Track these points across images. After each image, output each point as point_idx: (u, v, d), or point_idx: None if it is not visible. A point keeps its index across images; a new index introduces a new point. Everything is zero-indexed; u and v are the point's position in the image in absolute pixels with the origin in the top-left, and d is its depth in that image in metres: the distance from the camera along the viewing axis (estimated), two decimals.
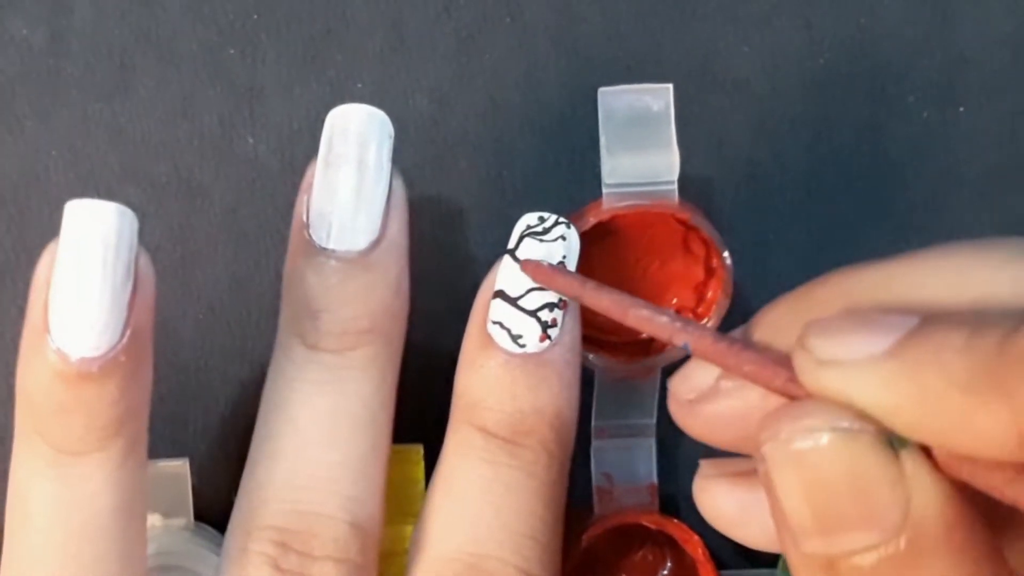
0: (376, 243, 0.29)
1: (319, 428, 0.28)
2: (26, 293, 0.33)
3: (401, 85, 0.34)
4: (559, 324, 0.28)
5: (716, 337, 0.23)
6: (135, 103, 0.33)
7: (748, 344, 0.23)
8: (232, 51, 0.33)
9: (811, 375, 0.21)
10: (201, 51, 0.33)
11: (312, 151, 0.33)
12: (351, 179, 0.28)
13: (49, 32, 0.33)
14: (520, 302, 0.28)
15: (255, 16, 0.33)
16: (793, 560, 0.22)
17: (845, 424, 0.21)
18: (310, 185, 0.29)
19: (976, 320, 0.20)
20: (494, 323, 0.28)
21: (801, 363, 0.21)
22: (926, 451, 0.20)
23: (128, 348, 0.26)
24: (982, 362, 0.19)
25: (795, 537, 0.21)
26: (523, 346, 0.28)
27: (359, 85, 0.34)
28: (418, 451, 0.31)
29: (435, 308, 0.32)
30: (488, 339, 0.28)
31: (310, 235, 0.28)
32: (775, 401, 0.23)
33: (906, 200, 0.35)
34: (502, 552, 0.28)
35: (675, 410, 0.25)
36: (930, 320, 0.20)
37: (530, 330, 0.28)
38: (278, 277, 0.33)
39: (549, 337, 0.28)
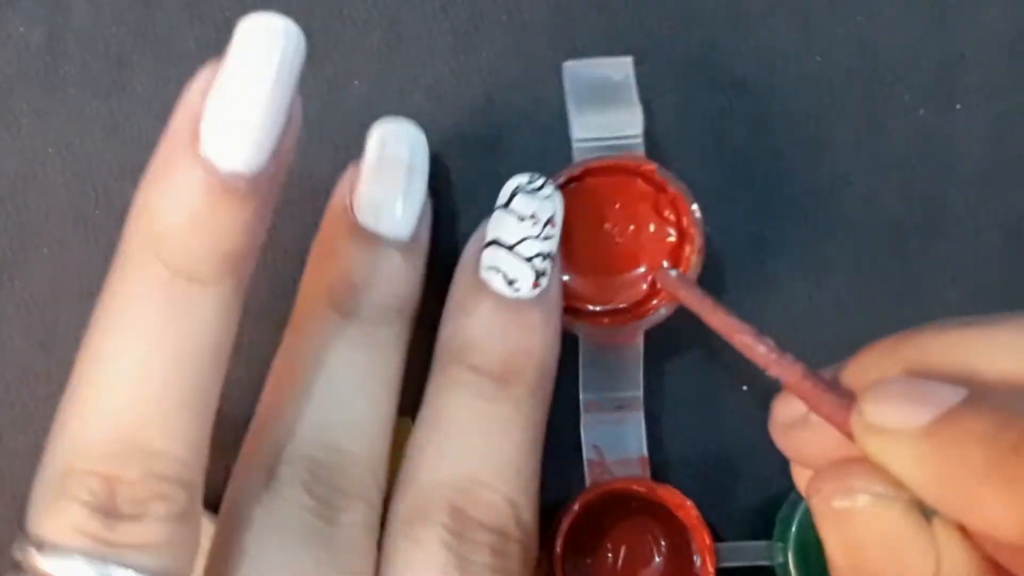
0: (412, 237, 0.31)
1: (353, 382, 0.29)
2: (23, 291, 0.33)
3: (398, 82, 0.34)
4: (547, 275, 0.30)
5: (805, 374, 0.25)
6: (132, 101, 0.33)
7: (833, 386, 0.24)
8: None
9: (861, 437, 0.22)
10: (198, 49, 0.33)
11: (311, 149, 0.33)
12: (401, 174, 0.31)
13: (47, 30, 0.33)
14: (516, 249, 0.30)
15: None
16: None
17: (880, 489, 0.22)
18: (354, 177, 0.31)
19: (1008, 412, 0.21)
20: (489, 268, 0.30)
21: (854, 424, 0.23)
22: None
23: (270, 177, 0.25)
24: (997, 458, 0.20)
25: None
26: (517, 291, 0.29)
27: (356, 82, 0.34)
28: (407, 422, 0.32)
29: (430, 302, 0.32)
30: (481, 283, 0.30)
31: (355, 218, 0.30)
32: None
33: (903, 198, 0.35)
34: (492, 480, 0.29)
35: (773, 431, 0.26)
36: (970, 401, 0.21)
37: (525, 275, 0.29)
38: (276, 273, 0.33)
39: (540, 285, 0.29)
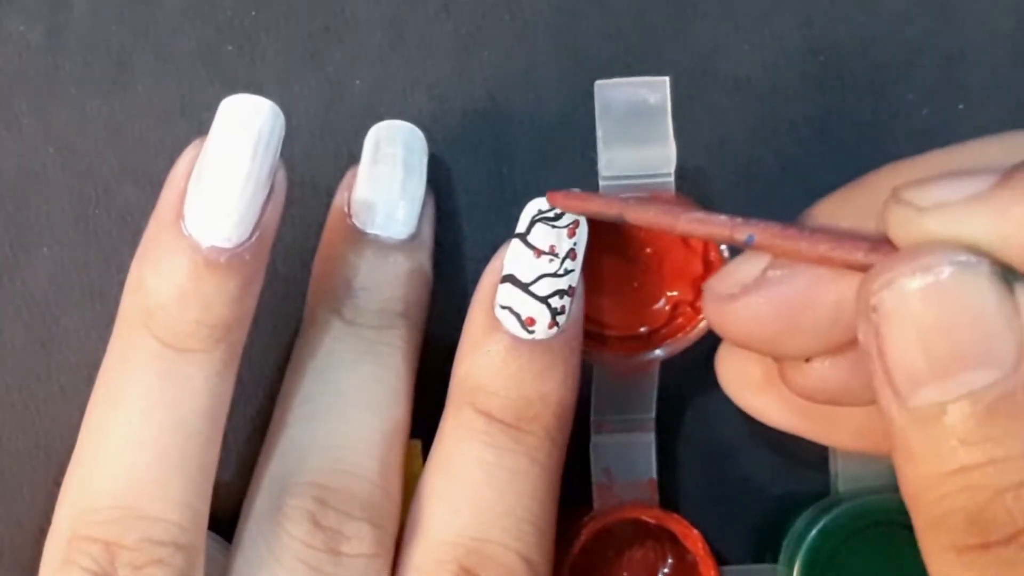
0: (413, 237, 0.31)
1: (360, 393, 0.29)
2: (24, 292, 0.33)
3: (400, 82, 0.34)
4: (567, 311, 0.29)
5: (783, 225, 0.24)
6: (133, 100, 0.33)
7: (817, 227, 0.24)
8: (230, 48, 0.33)
9: (913, 225, 0.21)
10: (199, 48, 0.33)
11: (311, 148, 0.33)
12: (397, 175, 0.31)
13: (47, 29, 0.33)
14: (531, 288, 0.28)
15: (253, 13, 0.33)
16: (897, 423, 0.22)
17: (963, 258, 0.21)
18: (351, 182, 0.31)
19: None
20: (503, 308, 0.29)
21: (900, 216, 0.22)
22: None
23: (254, 249, 0.27)
24: None
25: (904, 392, 0.21)
26: (532, 332, 0.28)
27: (358, 82, 0.34)
28: (416, 446, 0.31)
29: (434, 305, 0.32)
30: (495, 323, 0.29)
31: (353, 222, 0.30)
32: (825, 287, 0.23)
33: None
34: (504, 537, 0.28)
35: (712, 308, 0.26)
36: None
37: (541, 316, 0.28)
38: (277, 275, 0.33)
39: (558, 324, 0.29)
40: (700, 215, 0.25)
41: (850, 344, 0.24)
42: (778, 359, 0.26)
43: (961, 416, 0.21)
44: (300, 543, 0.27)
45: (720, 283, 0.26)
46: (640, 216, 0.26)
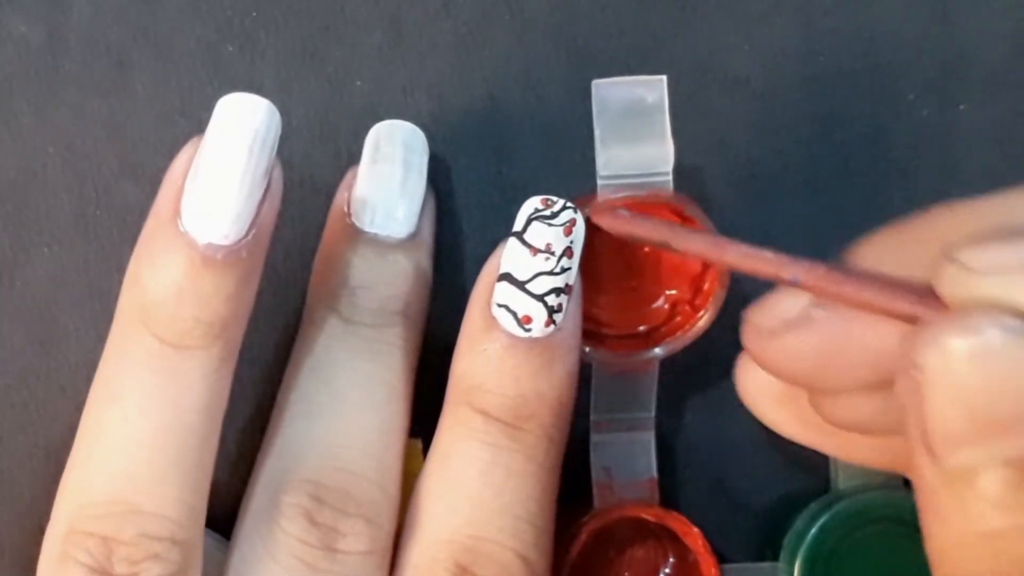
0: (412, 236, 0.31)
1: (358, 391, 0.29)
2: (24, 292, 0.33)
3: (400, 82, 0.34)
4: (563, 309, 0.28)
5: (829, 267, 0.23)
6: (133, 100, 0.33)
7: (863, 272, 0.23)
8: (230, 48, 0.33)
9: (964, 285, 0.21)
10: (199, 48, 0.33)
11: (310, 148, 0.33)
12: (397, 173, 0.31)
13: (47, 29, 0.33)
14: (528, 286, 0.28)
15: (253, 13, 0.33)
16: (928, 482, 0.21)
17: (1013, 323, 0.21)
18: (351, 181, 0.31)
19: None
20: (499, 306, 0.29)
21: (953, 276, 0.21)
22: None
23: (251, 246, 0.27)
24: None
25: (939, 451, 0.21)
26: (529, 330, 0.28)
27: (358, 82, 0.34)
28: (416, 445, 0.31)
29: (434, 304, 0.32)
30: (492, 321, 0.29)
31: (352, 221, 0.30)
32: (868, 331, 0.23)
33: (906, 198, 0.35)
34: (501, 536, 0.28)
35: (751, 341, 0.26)
36: None
37: (537, 314, 0.28)
38: (276, 274, 0.33)
39: (555, 322, 0.28)
40: (747, 249, 0.25)
41: (886, 383, 0.24)
42: (812, 391, 0.26)
43: (994, 481, 0.21)
44: (296, 540, 0.27)
45: (761, 316, 0.25)
46: (687, 245, 0.26)
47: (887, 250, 0.24)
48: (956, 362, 0.21)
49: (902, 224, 0.24)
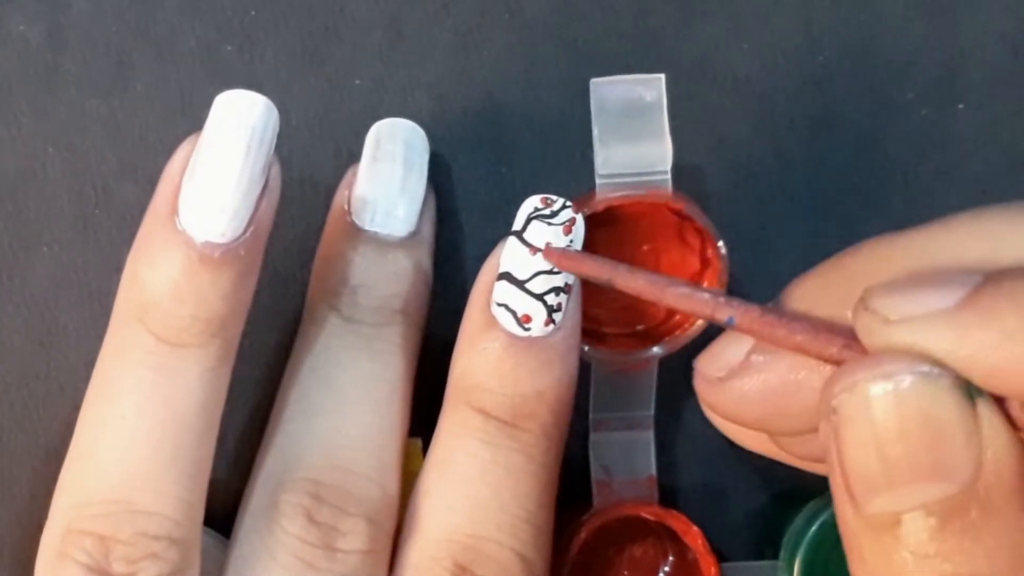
0: (412, 234, 0.31)
1: (358, 390, 0.29)
2: (23, 291, 0.33)
3: (400, 81, 0.34)
4: (563, 308, 0.28)
5: (763, 310, 0.24)
6: (133, 100, 0.33)
7: (795, 315, 0.23)
8: (230, 48, 0.33)
9: (879, 335, 0.21)
10: (199, 48, 0.33)
11: (310, 147, 0.33)
12: (397, 172, 0.31)
13: (47, 28, 0.33)
14: (527, 285, 0.28)
15: (253, 12, 0.33)
16: (851, 527, 0.21)
17: (925, 369, 0.21)
18: (352, 179, 0.31)
19: None
20: (499, 305, 0.29)
21: (867, 324, 0.22)
22: (999, 404, 0.20)
23: (248, 244, 0.27)
24: None
25: (859, 497, 0.21)
26: (528, 329, 0.28)
27: (358, 82, 0.34)
28: (416, 444, 0.31)
29: (434, 303, 0.32)
30: (491, 320, 0.29)
31: (352, 220, 0.30)
32: (806, 374, 0.23)
33: (905, 197, 0.35)
34: (500, 535, 0.28)
35: (702, 390, 0.26)
36: (997, 274, 0.21)
37: (537, 313, 0.28)
38: (276, 273, 0.33)
39: (554, 321, 0.28)
40: (685, 290, 0.25)
41: None
42: (769, 433, 0.26)
43: (914, 528, 0.20)
44: (295, 539, 0.27)
45: (708, 364, 0.26)
46: (628, 284, 0.26)
47: (820, 288, 0.24)
48: (870, 407, 0.21)
49: (834, 260, 0.24)
